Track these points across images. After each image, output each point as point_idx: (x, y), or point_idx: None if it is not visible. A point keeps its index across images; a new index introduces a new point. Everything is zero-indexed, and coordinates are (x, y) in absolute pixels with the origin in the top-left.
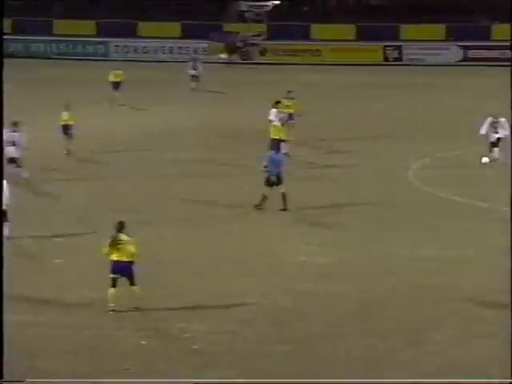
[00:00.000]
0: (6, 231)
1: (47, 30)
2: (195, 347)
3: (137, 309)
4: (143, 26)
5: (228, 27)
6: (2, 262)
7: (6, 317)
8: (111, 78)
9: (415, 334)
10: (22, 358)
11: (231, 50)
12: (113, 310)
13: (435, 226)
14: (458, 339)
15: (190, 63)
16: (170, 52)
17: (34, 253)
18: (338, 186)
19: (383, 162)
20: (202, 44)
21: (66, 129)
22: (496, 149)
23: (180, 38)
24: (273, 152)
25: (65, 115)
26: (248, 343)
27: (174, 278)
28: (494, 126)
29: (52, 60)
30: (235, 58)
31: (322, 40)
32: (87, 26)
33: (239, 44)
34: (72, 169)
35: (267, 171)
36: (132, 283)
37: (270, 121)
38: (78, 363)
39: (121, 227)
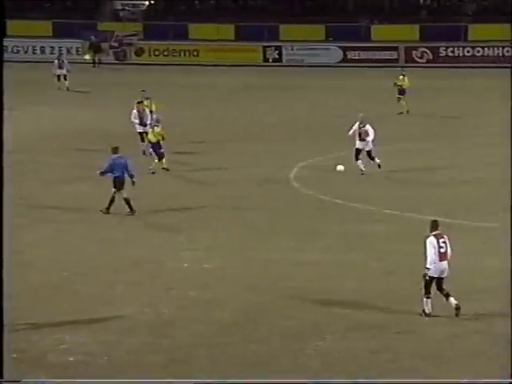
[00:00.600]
0: None
1: None
2: (71, 359)
3: None
4: (13, 25)
5: (102, 26)
6: (2, 261)
7: None
8: None
9: (297, 340)
10: None
11: (96, 49)
12: None
13: (317, 229)
14: (339, 343)
15: (56, 62)
16: (42, 52)
17: None
18: (216, 189)
19: (264, 165)
20: (75, 43)
21: None
22: (359, 162)
23: (52, 37)
24: (116, 156)
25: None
26: (126, 354)
27: (47, 285)
28: (359, 133)
29: None
30: (101, 57)
31: (200, 40)
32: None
33: (114, 44)
34: None
35: (114, 175)
36: None
37: (132, 122)
38: None
39: None
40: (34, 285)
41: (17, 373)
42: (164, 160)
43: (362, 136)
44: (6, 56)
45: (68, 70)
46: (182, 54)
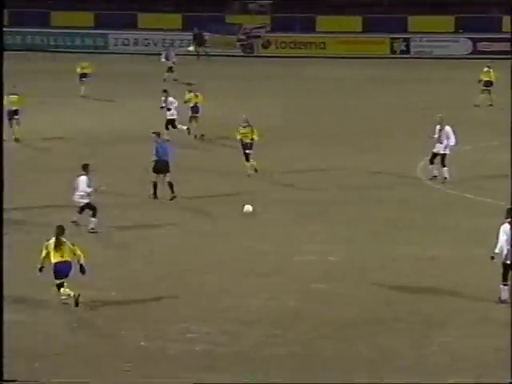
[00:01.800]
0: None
1: (45, 21)
2: (197, 348)
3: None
4: (143, 18)
5: (231, 19)
6: (2, 261)
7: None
8: (78, 70)
9: (422, 336)
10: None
11: (199, 41)
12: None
13: (444, 223)
14: (463, 340)
15: (164, 53)
16: (171, 44)
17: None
18: (340, 181)
19: (390, 158)
20: (204, 36)
21: (13, 114)
22: (436, 166)
23: (180, 30)
24: (161, 141)
25: (12, 98)
26: (251, 345)
27: (174, 277)
28: (440, 135)
29: (49, 53)
30: (205, 49)
31: (327, 32)
32: (86, 17)
33: (241, 36)
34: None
35: (154, 159)
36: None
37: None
38: (73, 364)
39: (61, 232)
40: (161, 275)
41: (144, 362)
42: (251, 161)
43: (441, 138)
44: (136, 49)
45: (174, 62)
46: (309, 46)
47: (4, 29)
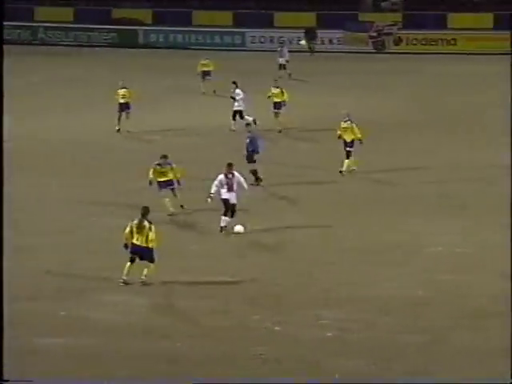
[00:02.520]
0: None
1: (187, 20)
2: (329, 334)
3: (142, 282)
4: (279, 17)
5: (363, 17)
6: (2, 259)
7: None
8: (199, 68)
9: None
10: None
11: (311, 36)
12: (124, 283)
13: None
14: None
15: (279, 50)
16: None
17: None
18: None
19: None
20: (337, 34)
21: (124, 107)
22: None
23: (315, 27)
24: (250, 133)
25: (122, 92)
26: (382, 332)
27: (304, 265)
28: None
29: (190, 50)
30: (313, 45)
31: (458, 29)
32: (225, 16)
33: (373, 34)
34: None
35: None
36: (150, 262)
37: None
38: (211, 346)
39: (145, 212)
40: (293, 262)
41: (277, 346)
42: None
43: None
44: (272, 46)
45: (287, 61)
46: (440, 42)
47: (148, 27)
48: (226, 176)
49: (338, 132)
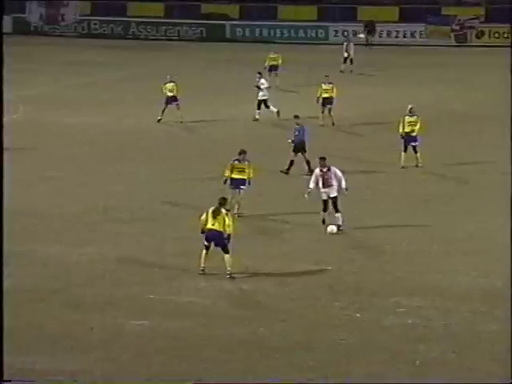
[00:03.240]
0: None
1: (272, 15)
2: (409, 321)
3: (229, 275)
4: (362, 11)
5: (446, 10)
6: (2, 258)
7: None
8: (267, 62)
9: None
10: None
11: (370, 29)
12: (203, 272)
13: None
14: None
15: (344, 45)
16: (388, 35)
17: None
18: None
19: None
20: (419, 27)
21: (171, 99)
22: None
23: (397, 21)
24: (298, 125)
25: (169, 86)
26: (461, 320)
27: (387, 255)
28: None
29: (275, 44)
30: (371, 38)
31: None
32: (309, 10)
33: (455, 27)
34: None
35: (292, 140)
36: (223, 251)
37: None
38: (293, 332)
39: (223, 202)
40: (374, 250)
41: (359, 332)
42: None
43: None
44: (354, 39)
45: (349, 55)
46: None
47: (234, 22)
48: (320, 170)
49: (401, 126)
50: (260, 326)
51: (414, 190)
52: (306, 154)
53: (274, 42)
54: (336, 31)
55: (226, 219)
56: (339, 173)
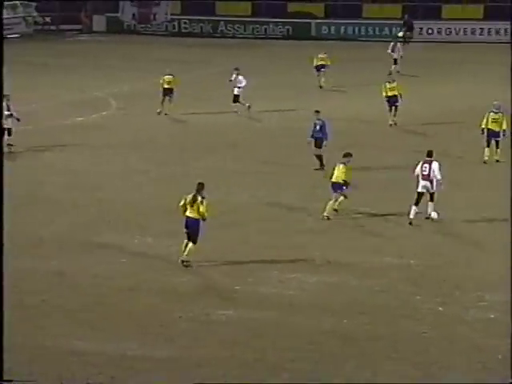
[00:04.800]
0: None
1: (357, 13)
2: (491, 316)
3: (184, 263)
4: (447, 9)
5: None
6: (2, 258)
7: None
8: (315, 61)
9: None
10: (310, 314)
11: (408, 28)
12: (182, 263)
13: None
14: None
15: (391, 44)
16: (472, 33)
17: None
18: None
19: None
20: (504, 25)
21: (167, 91)
22: None
23: (482, 19)
24: (319, 120)
25: (167, 78)
26: None
27: (469, 249)
28: None
29: (360, 42)
30: (410, 35)
31: None
32: (394, 9)
33: None
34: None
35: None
36: (190, 239)
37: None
38: (375, 324)
39: (200, 188)
40: (454, 246)
41: (442, 326)
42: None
43: None
44: (440, 37)
45: (401, 56)
46: None
47: (320, 20)
48: (422, 164)
49: (484, 122)
50: (343, 318)
51: (498, 185)
52: (321, 150)
53: (359, 40)
54: (421, 29)
55: (201, 207)
56: (436, 168)
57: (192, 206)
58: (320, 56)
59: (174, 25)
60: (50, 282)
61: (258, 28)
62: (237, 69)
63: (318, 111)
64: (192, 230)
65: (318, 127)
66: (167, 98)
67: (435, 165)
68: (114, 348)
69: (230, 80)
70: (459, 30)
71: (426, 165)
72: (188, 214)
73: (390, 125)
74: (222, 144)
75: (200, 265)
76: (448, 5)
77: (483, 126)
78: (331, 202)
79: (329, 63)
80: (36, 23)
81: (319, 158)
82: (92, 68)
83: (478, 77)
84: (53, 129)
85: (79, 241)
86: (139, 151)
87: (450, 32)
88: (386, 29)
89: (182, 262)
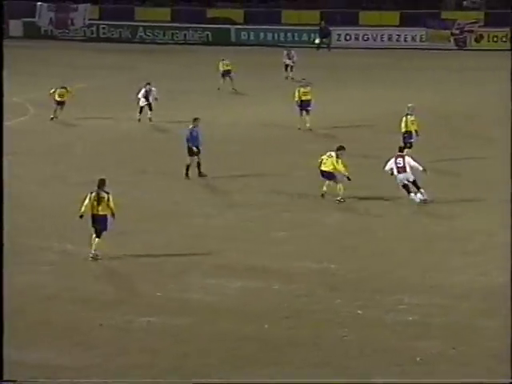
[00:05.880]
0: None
1: (276, 20)
2: (410, 318)
3: (93, 257)
4: (364, 15)
5: (446, 15)
6: (2, 259)
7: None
8: (221, 67)
9: None
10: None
11: (324, 34)
12: (92, 258)
13: None
14: None
15: (285, 52)
16: (389, 39)
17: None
18: None
19: None
20: (419, 31)
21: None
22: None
23: (398, 26)
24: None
25: (60, 91)
26: (461, 317)
27: (388, 253)
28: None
29: (279, 48)
30: (326, 42)
31: None
32: (312, 15)
33: (455, 31)
34: None
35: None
36: (98, 236)
37: None
38: (297, 328)
39: (101, 184)
40: (376, 249)
41: (361, 329)
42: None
43: None
44: (356, 44)
45: (294, 62)
46: None
47: (239, 26)
48: (395, 159)
49: (403, 125)
50: (265, 323)
51: None
52: (195, 158)
53: (279, 46)
54: (339, 35)
55: (109, 203)
56: (412, 161)
57: (98, 204)
58: (225, 62)
59: (92, 30)
60: None
61: (177, 34)
62: (148, 83)
63: (196, 118)
64: (100, 225)
65: (189, 134)
66: (59, 107)
67: (408, 158)
68: (33, 357)
69: (145, 96)
70: (376, 35)
71: (400, 159)
72: (95, 211)
73: (299, 128)
74: (144, 151)
75: (121, 272)
76: (365, 11)
77: (404, 130)
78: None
79: (231, 68)
80: None
81: (198, 165)
82: (9, 73)
83: (393, 82)
84: None
85: None
86: (56, 157)
87: (368, 38)
88: (305, 35)
89: (92, 257)
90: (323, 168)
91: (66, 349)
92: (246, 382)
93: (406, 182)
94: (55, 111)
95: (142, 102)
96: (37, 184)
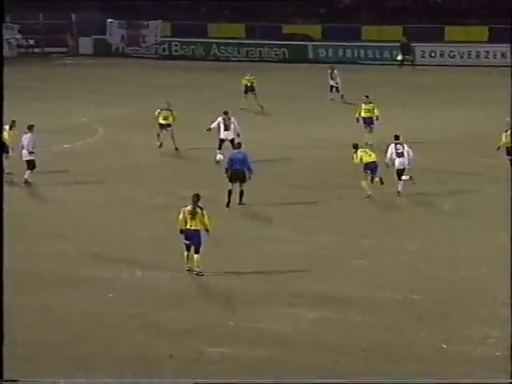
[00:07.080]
0: None
1: (356, 36)
2: (498, 354)
3: (197, 274)
4: (450, 31)
5: None
6: (2, 258)
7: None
8: (243, 82)
9: None
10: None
11: (406, 50)
12: (188, 270)
13: None
14: None
15: (328, 71)
16: (477, 56)
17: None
18: None
19: None
20: (508, 48)
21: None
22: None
23: (487, 42)
24: (234, 151)
25: (166, 114)
26: None
27: (476, 282)
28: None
29: (359, 65)
30: (409, 59)
31: None
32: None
33: None
34: None
35: (228, 169)
36: (193, 251)
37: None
38: (374, 362)
39: (197, 199)
40: (466, 276)
41: (444, 364)
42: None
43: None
44: (443, 60)
45: (337, 83)
46: None
47: (317, 43)
48: (395, 146)
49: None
50: (343, 356)
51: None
52: (244, 184)
53: (358, 63)
54: (423, 52)
55: (204, 218)
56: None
57: (192, 219)
58: (247, 78)
59: (164, 47)
60: (36, 317)
61: (252, 50)
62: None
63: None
64: (194, 241)
65: (232, 159)
66: (164, 131)
67: (407, 147)
68: None
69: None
70: (463, 52)
71: (399, 145)
72: (188, 226)
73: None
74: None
75: (191, 298)
76: (451, 26)
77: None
78: (365, 182)
79: (255, 84)
80: (19, 46)
81: (241, 192)
82: (78, 92)
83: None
84: (37, 156)
85: (63, 274)
86: (127, 180)
87: (455, 55)
88: (386, 52)
89: (194, 272)
90: (369, 160)
91: (130, 379)
92: (246, 382)
93: (402, 167)
94: (158, 135)
95: (224, 135)
96: (106, 207)
